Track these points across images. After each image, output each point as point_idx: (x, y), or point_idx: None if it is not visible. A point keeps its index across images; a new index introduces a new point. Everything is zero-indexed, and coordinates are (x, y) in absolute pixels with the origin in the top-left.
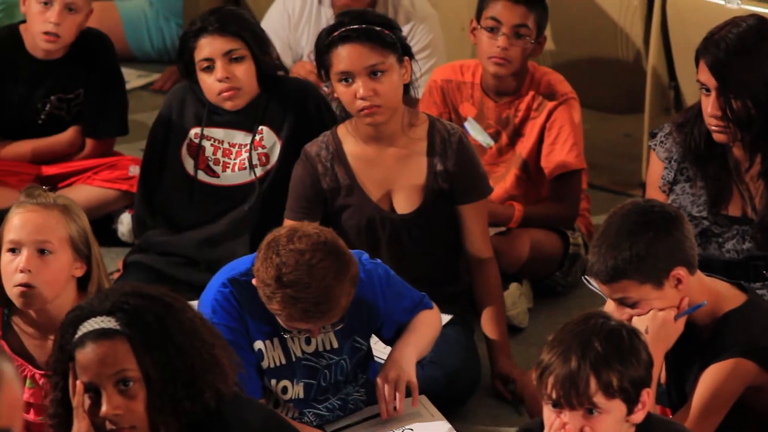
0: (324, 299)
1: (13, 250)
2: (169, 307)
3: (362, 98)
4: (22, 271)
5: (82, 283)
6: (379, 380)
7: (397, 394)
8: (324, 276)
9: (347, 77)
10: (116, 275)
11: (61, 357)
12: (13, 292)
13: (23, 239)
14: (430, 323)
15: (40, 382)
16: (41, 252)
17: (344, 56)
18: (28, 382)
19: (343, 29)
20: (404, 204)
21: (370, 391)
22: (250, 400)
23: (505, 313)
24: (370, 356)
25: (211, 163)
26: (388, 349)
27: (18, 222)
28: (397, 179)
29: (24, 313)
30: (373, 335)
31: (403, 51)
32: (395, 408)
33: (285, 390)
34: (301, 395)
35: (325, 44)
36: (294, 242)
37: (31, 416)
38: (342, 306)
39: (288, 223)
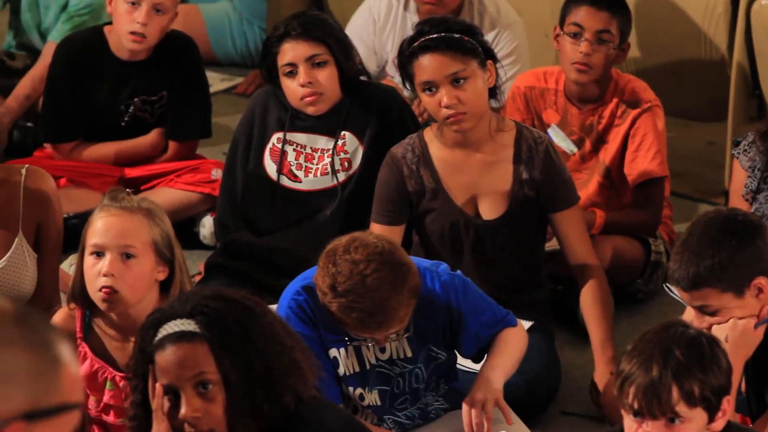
0: (379, 310)
1: (96, 254)
2: (249, 310)
3: (447, 107)
4: (105, 275)
5: (165, 286)
6: (465, 404)
7: (485, 419)
8: (378, 287)
9: (430, 87)
10: (197, 278)
11: (141, 359)
12: (96, 296)
13: (107, 243)
14: (515, 341)
15: (121, 384)
16: (125, 256)
17: (426, 66)
18: (108, 384)
19: (423, 39)
20: (489, 210)
21: (453, 400)
22: (330, 403)
23: (612, 317)
24: (452, 366)
25: (293, 168)
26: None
27: (102, 226)
28: (482, 185)
29: (105, 315)
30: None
31: (486, 54)
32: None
33: (362, 397)
34: (378, 402)
35: (406, 55)
36: (350, 252)
37: (111, 418)
38: (400, 317)
39: (374, 227)
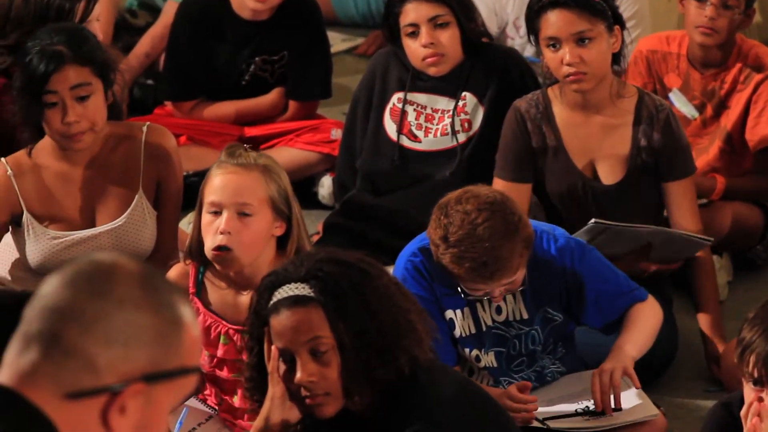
0: (491, 259)
1: (214, 212)
2: (364, 273)
3: (568, 65)
4: (222, 233)
5: (282, 242)
6: (594, 372)
7: (614, 388)
8: (490, 236)
9: (555, 43)
10: (315, 238)
11: (257, 322)
12: (212, 253)
13: (224, 201)
14: (647, 316)
15: (234, 338)
16: (242, 214)
17: (552, 22)
18: (222, 338)
19: None
20: (607, 174)
21: (570, 364)
22: (445, 366)
23: (717, 290)
24: (570, 331)
25: (413, 128)
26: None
27: (219, 183)
28: (601, 148)
29: (219, 272)
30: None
31: (614, 19)
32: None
33: (478, 359)
34: (494, 364)
35: (535, 9)
36: (462, 203)
37: (224, 374)
38: (513, 267)
39: (497, 183)
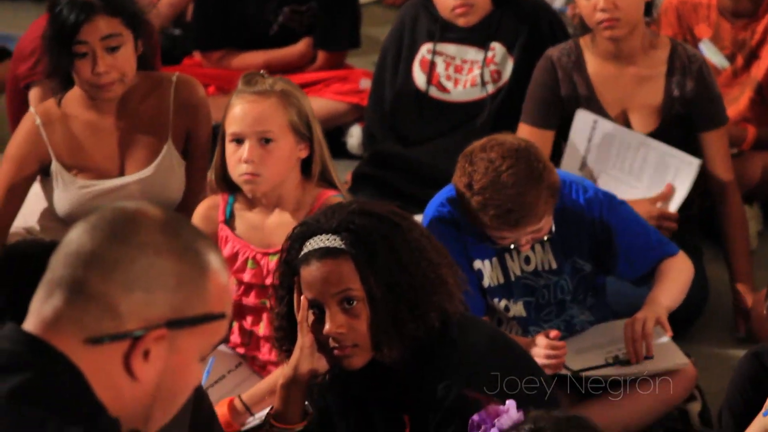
0: (516, 205)
1: (236, 141)
2: (396, 226)
3: (602, 10)
4: (246, 162)
5: (307, 164)
6: (627, 322)
7: (646, 337)
8: (514, 183)
9: None
10: (345, 187)
11: (287, 271)
12: (239, 180)
13: (245, 131)
14: (678, 270)
15: (261, 263)
16: (263, 141)
17: None
18: (249, 263)
19: None
20: (640, 124)
21: (599, 314)
22: (475, 318)
23: (748, 240)
24: (600, 281)
25: (442, 79)
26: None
27: (239, 113)
28: (634, 99)
29: (247, 197)
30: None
31: None
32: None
33: (507, 308)
34: (523, 314)
35: None
36: (486, 151)
37: (251, 299)
38: (538, 214)
39: (522, 128)
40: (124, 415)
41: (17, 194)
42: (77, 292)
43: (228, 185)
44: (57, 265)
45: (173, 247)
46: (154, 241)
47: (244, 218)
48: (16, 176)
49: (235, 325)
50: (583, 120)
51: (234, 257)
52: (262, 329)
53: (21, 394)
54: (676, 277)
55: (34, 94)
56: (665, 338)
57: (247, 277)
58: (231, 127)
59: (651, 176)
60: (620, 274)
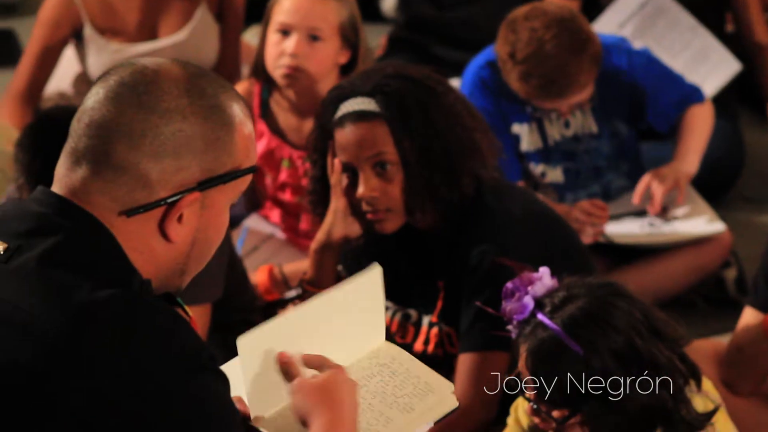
0: (559, 75)
1: (283, 32)
2: (431, 90)
3: None
4: (290, 55)
5: (345, 70)
6: (648, 173)
7: (655, 191)
8: (557, 53)
9: None
10: (379, 52)
11: (321, 135)
12: (277, 72)
13: (295, 23)
14: (703, 120)
15: (296, 163)
16: (311, 38)
17: None
18: (285, 162)
19: None
20: None
21: (636, 179)
22: (510, 185)
23: None
24: (635, 145)
25: None
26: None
27: (291, 4)
28: None
29: (283, 94)
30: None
31: None
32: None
33: (544, 174)
34: (561, 179)
35: None
36: (530, 19)
37: (287, 196)
38: (581, 83)
39: None
40: (159, 276)
41: (50, 59)
42: (104, 163)
43: (266, 76)
44: (80, 134)
45: (198, 109)
46: (178, 106)
47: (280, 116)
48: (48, 40)
49: (276, 209)
50: None
51: (269, 154)
52: (301, 224)
53: (52, 258)
54: (701, 129)
55: None
56: (701, 203)
57: (282, 175)
58: (279, 16)
59: (687, 61)
60: (656, 126)
